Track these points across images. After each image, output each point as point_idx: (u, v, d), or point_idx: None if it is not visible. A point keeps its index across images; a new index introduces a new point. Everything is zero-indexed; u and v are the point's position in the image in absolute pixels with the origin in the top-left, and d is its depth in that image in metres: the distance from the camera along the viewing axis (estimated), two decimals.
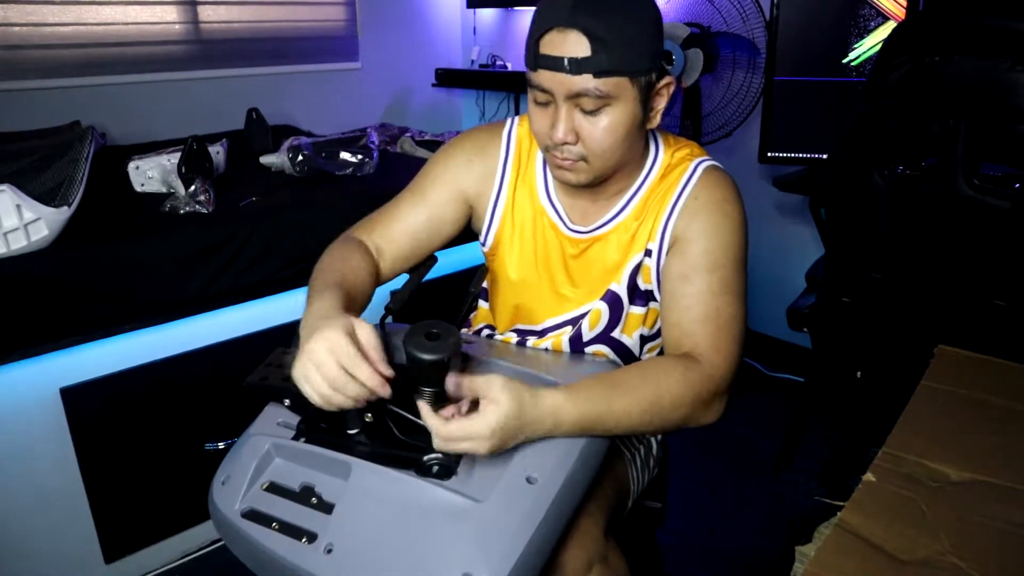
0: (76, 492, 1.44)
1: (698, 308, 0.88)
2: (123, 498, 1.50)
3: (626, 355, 1.02)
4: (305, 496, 0.77)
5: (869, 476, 0.67)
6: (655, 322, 1.01)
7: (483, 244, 1.06)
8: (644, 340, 1.02)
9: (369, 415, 0.79)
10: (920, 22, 1.37)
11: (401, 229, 1.02)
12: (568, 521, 0.77)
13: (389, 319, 1.03)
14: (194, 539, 1.64)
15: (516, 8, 3.00)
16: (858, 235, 1.48)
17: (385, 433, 0.79)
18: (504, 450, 0.74)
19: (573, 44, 0.79)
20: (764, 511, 1.82)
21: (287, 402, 0.83)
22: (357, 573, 0.69)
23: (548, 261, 1.00)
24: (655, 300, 0.98)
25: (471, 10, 3.16)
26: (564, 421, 0.76)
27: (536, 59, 0.82)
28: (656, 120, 0.89)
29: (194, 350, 1.53)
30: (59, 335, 1.35)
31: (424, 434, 0.75)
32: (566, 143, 0.85)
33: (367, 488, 0.73)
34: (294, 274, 1.63)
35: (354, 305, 0.89)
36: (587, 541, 0.83)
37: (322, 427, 0.82)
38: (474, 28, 3.22)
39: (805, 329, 1.75)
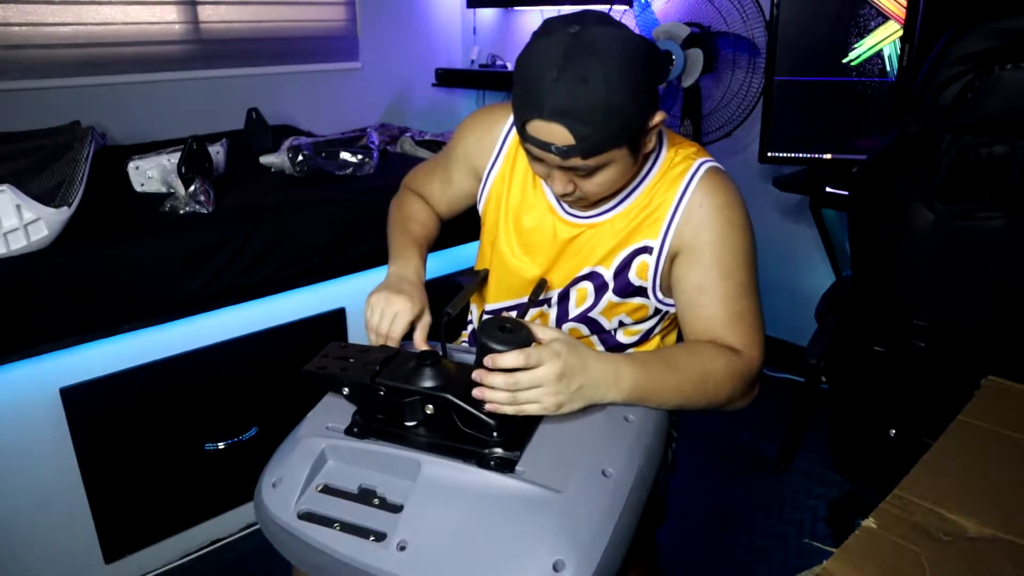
0: (76, 492, 1.44)
1: (722, 315, 0.92)
2: (123, 498, 1.50)
3: (603, 335, 1.05)
4: (366, 497, 0.76)
5: (870, 522, 0.59)
6: (642, 316, 1.04)
7: (479, 205, 1.14)
8: (622, 324, 1.05)
9: (431, 407, 0.80)
10: (987, 20, 1.14)
11: (436, 199, 1.19)
12: (639, 517, 0.77)
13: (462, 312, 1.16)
14: (194, 539, 1.64)
15: (516, 8, 3.00)
16: (897, 275, 1.28)
17: (445, 426, 0.80)
18: (568, 411, 0.80)
19: (557, 134, 0.81)
20: (764, 511, 1.82)
21: (345, 391, 0.84)
22: (436, 567, 0.67)
23: (539, 239, 1.05)
24: (646, 296, 1.00)
25: (471, 10, 3.16)
26: (623, 384, 0.82)
27: (525, 136, 0.85)
28: (650, 147, 0.91)
29: (194, 350, 1.53)
30: (59, 335, 1.35)
31: (485, 427, 0.76)
32: (563, 192, 0.90)
33: (438, 482, 0.73)
34: (294, 274, 1.63)
35: (427, 246, 1.13)
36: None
37: (379, 418, 0.83)
38: (474, 28, 3.22)
39: (823, 378, 1.65)
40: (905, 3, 1.81)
